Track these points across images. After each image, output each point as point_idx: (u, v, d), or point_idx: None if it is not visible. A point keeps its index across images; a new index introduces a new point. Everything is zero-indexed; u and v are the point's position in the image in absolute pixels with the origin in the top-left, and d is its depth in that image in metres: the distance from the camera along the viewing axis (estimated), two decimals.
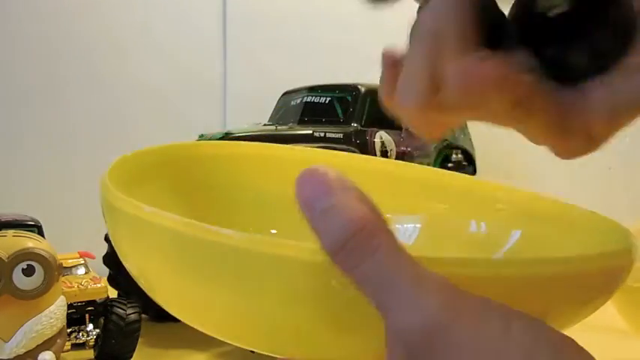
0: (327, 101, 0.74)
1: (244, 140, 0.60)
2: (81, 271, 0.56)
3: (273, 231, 0.34)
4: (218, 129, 0.72)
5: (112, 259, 0.65)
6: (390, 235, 0.19)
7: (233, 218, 0.33)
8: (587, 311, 0.23)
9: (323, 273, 0.19)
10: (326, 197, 0.19)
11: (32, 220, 0.53)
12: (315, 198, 0.19)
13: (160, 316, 0.62)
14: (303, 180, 0.19)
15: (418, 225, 0.35)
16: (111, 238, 0.26)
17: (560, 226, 0.30)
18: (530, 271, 0.20)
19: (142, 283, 0.24)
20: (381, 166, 0.38)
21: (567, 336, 0.18)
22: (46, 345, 0.47)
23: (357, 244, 0.18)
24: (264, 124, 0.75)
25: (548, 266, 0.20)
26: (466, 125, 0.84)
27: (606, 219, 0.28)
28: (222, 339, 0.23)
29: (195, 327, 0.23)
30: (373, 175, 0.35)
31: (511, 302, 0.18)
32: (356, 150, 0.68)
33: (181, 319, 0.24)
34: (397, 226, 0.34)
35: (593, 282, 0.22)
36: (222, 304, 0.21)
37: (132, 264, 0.25)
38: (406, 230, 0.35)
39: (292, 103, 0.77)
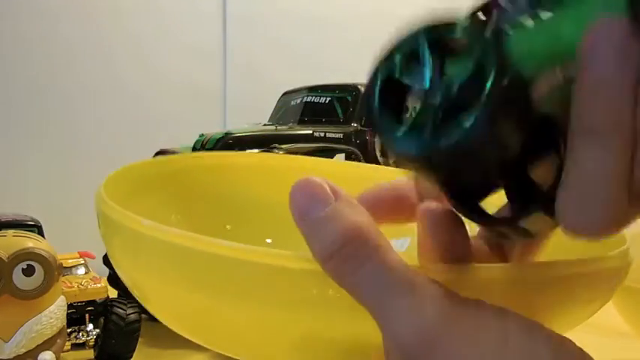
0: (327, 101, 0.74)
1: (244, 140, 0.60)
2: (81, 271, 0.56)
3: (268, 240, 0.34)
4: (218, 129, 0.72)
5: None
6: (384, 243, 0.19)
7: (228, 228, 0.32)
8: (584, 314, 0.23)
9: (320, 282, 0.19)
10: (319, 207, 0.19)
11: (32, 220, 0.53)
12: (308, 208, 0.19)
13: None
14: (297, 190, 0.19)
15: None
16: (107, 250, 0.26)
17: (555, 231, 0.30)
18: (527, 275, 0.20)
19: (136, 293, 0.24)
20: (389, 174, 0.37)
21: (566, 338, 0.18)
22: (46, 345, 0.46)
23: (350, 252, 0.18)
24: (264, 124, 0.75)
25: (544, 270, 0.20)
26: None
27: None
28: (216, 350, 0.23)
29: (188, 337, 0.23)
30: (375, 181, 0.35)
31: (509, 305, 0.18)
32: (356, 150, 0.68)
33: (174, 329, 0.24)
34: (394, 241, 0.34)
35: (589, 285, 0.22)
36: (217, 314, 0.21)
37: (127, 275, 0.25)
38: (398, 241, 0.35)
39: (292, 103, 0.77)
